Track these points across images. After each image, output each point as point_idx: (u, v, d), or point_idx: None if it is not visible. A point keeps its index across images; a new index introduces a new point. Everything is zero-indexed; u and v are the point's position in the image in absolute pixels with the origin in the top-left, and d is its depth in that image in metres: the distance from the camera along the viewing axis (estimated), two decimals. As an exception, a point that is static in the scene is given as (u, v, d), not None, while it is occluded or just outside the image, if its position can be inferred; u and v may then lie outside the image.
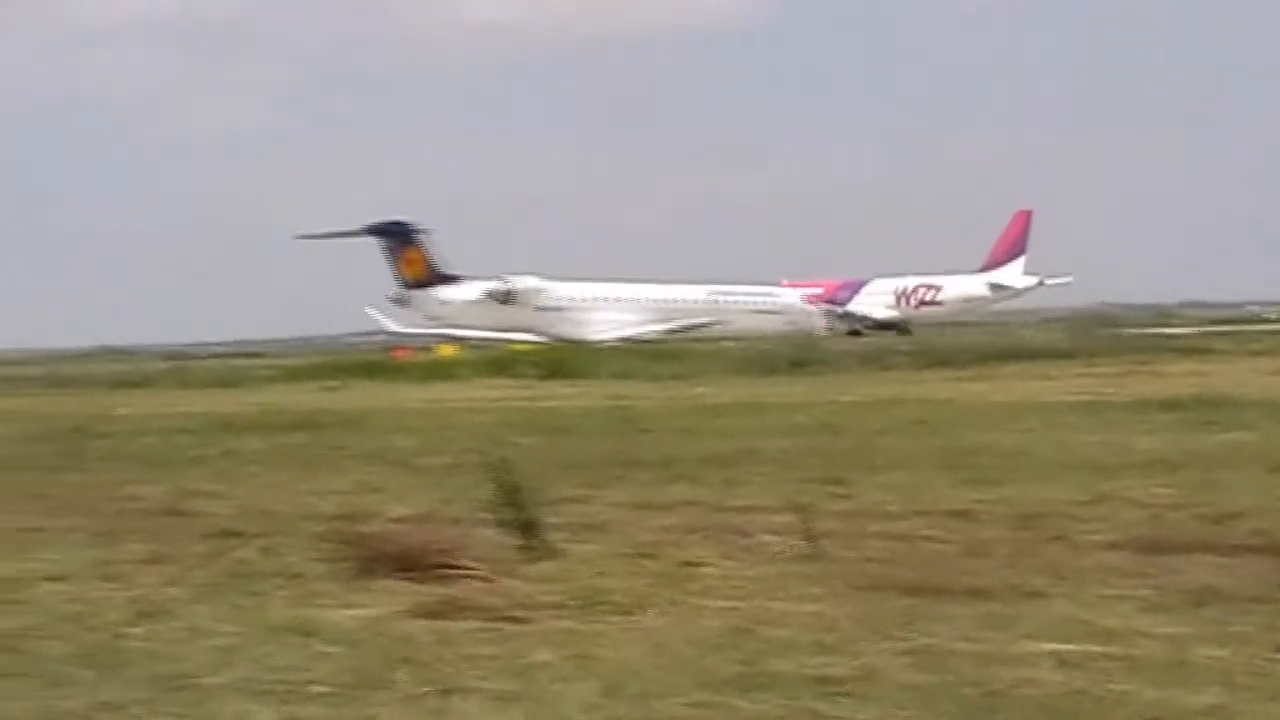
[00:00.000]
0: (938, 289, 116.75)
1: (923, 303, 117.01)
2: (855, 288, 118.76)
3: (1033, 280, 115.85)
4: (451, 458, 20.96)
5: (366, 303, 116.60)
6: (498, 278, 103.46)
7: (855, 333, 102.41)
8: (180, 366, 76.08)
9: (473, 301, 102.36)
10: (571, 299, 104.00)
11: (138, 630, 10.26)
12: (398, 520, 14.83)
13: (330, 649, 9.52)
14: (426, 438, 25.70)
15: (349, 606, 10.92)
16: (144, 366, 77.65)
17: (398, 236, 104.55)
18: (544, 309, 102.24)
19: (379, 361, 70.11)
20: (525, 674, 8.81)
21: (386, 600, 11.07)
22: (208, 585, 11.87)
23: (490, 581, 11.39)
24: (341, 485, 18.57)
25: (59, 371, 76.26)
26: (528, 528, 12.74)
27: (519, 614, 10.43)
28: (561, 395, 40.50)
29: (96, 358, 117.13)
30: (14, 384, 61.71)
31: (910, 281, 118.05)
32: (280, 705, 8.23)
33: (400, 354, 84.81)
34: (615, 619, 10.31)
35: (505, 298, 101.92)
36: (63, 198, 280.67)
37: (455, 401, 38.50)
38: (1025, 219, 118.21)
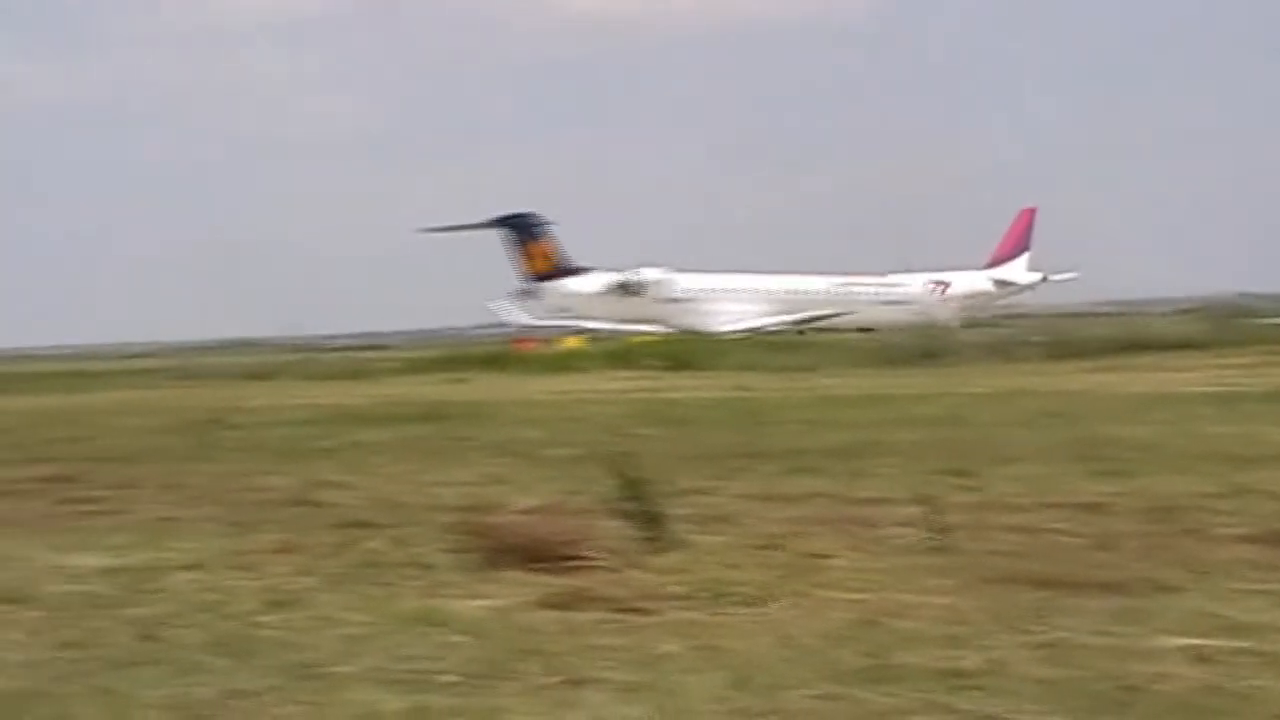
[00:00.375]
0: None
1: None
2: None
3: (1036, 276, 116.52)
4: (576, 449, 21.05)
5: (491, 296, 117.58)
6: (623, 270, 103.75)
7: (865, 329, 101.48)
8: (308, 359, 77.24)
9: (597, 293, 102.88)
10: (696, 290, 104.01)
11: (269, 619, 10.41)
12: (523, 511, 14.91)
13: (458, 639, 9.60)
14: (551, 429, 25.83)
15: (476, 597, 11.00)
16: (273, 359, 78.85)
17: (523, 229, 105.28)
18: (668, 300, 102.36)
19: (504, 354, 70.51)
20: (652, 665, 8.82)
21: (513, 591, 11.13)
22: (337, 575, 12.01)
23: (616, 573, 11.43)
24: (467, 477, 18.69)
25: (192, 364, 77.57)
26: (652, 519, 12.75)
27: (645, 605, 10.45)
28: (685, 387, 40.54)
29: (228, 350, 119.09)
30: (149, 377, 62.88)
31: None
32: (409, 694, 8.30)
33: (525, 346, 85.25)
34: (741, 611, 10.30)
35: (630, 289, 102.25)
36: (193, 192, 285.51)
37: (580, 393, 38.65)
38: (1029, 216, 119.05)
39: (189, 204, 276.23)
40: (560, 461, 20.09)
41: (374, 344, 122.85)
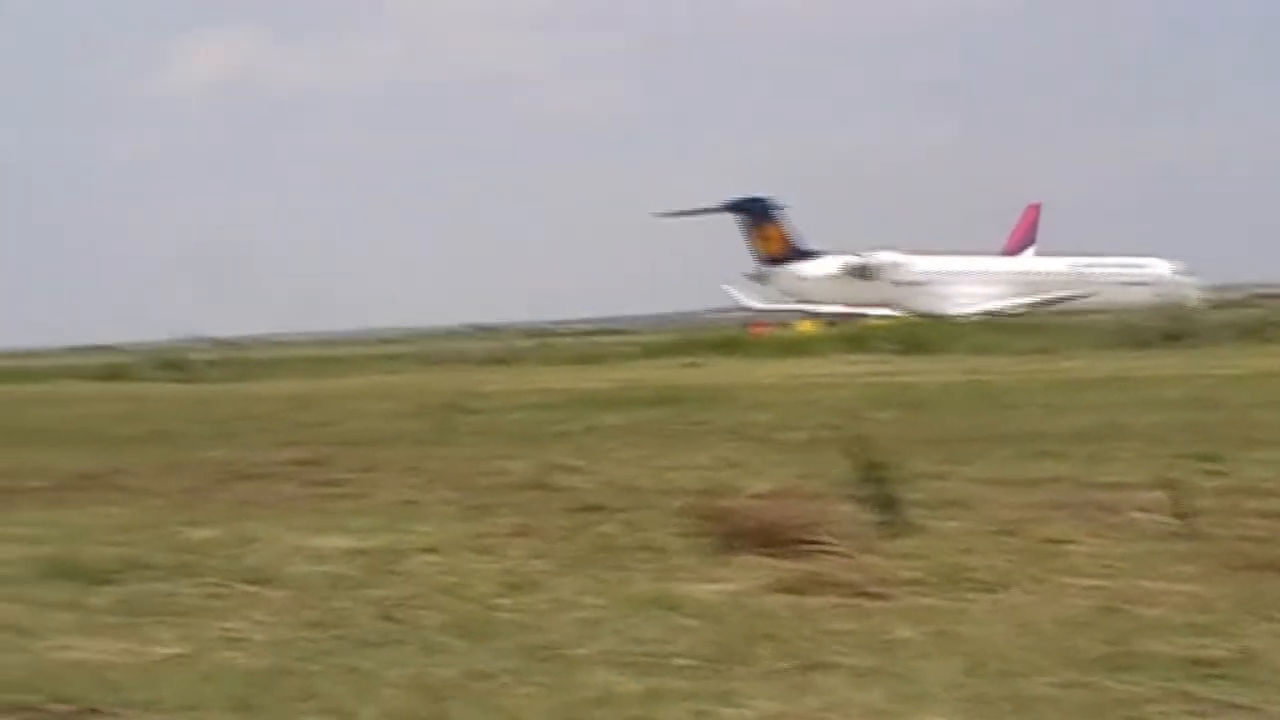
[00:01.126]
0: None
1: None
2: None
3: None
4: (809, 433, 20.98)
5: (724, 280, 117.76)
6: (855, 253, 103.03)
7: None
8: (544, 344, 78.23)
9: (830, 277, 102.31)
10: (930, 273, 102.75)
11: (507, 601, 10.56)
12: (757, 495, 14.89)
13: (692, 622, 9.64)
14: (784, 413, 25.76)
15: (710, 581, 11.03)
16: (510, 344, 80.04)
17: (756, 213, 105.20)
18: (902, 283, 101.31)
19: (737, 338, 70.54)
20: (887, 650, 8.75)
21: (747, 575, 11.13)
22: (573, 558, 12.14)
23: (850, 557, 11.34)
24: (701, 460, 18.74)
25: (431, 349, 79.10)
26: (887, 504, 12.64)
27: (879, 590, 10.36)
28: (919, 370, 40.11)
29: (466, 336, 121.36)
30: (390, 362, 64.28)
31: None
32: (644, 677, 8.36)
33: (758, 330, 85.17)
34: (978, 596, 10.15)
35: (863, 272, 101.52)
36: (432, 178, 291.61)
37: (813, 377, 38.47)
38: (1035, 212, 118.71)
39: (434, 191, 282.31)
40: (793, 445, 20.05)
41: (609, 329, 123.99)
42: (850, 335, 64.20)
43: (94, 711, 8.17)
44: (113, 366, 62.04)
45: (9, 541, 13.75)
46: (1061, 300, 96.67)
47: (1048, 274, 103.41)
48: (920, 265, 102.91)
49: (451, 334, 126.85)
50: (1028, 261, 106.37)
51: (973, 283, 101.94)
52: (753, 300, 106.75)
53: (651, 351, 61.82)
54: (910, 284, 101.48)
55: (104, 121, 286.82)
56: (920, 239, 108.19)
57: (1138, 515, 12.96)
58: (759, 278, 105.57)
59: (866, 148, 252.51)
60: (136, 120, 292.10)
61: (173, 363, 62.81)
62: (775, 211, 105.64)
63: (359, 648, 9.36)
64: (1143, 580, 10.37)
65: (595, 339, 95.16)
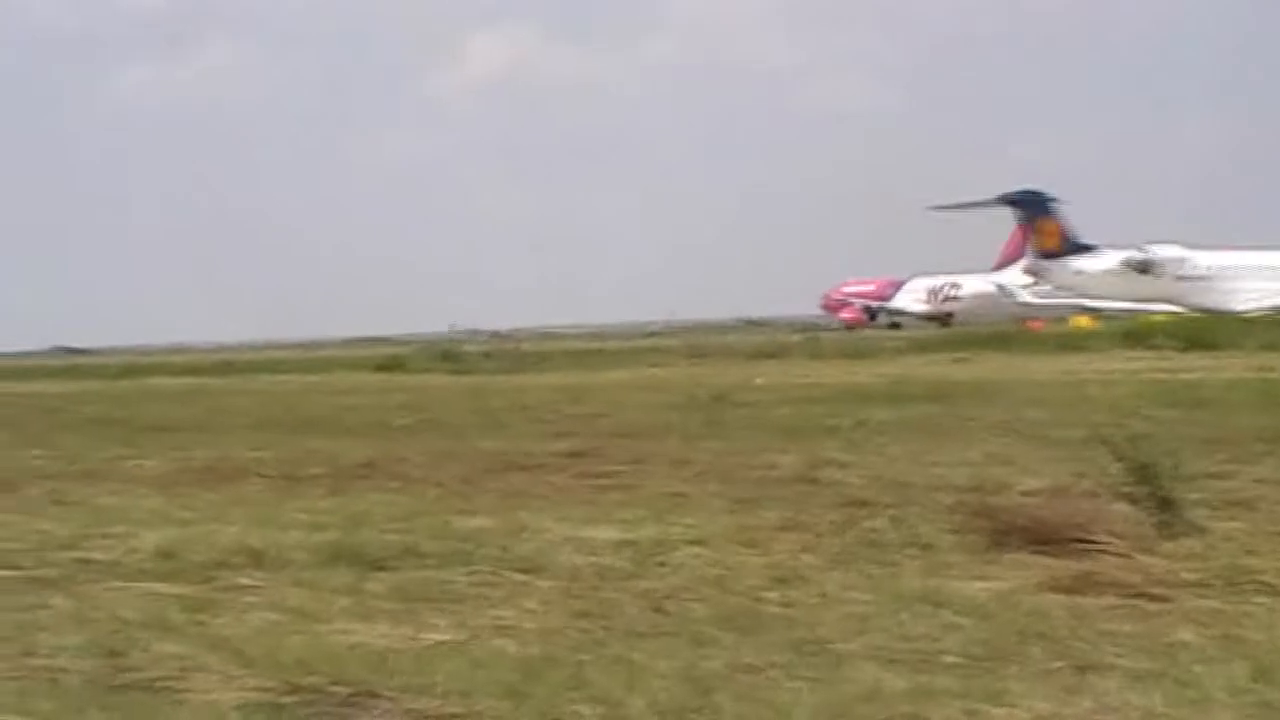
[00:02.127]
0: (958, 287, 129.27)
1: (947, 298, 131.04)
2: (898, 285, 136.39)
3: (1028, 280, 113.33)
4: (1084, 430, 20.46)
5: (995, 275, 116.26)
6: (1137, 247, 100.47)
7: (895, 325, 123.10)
8: (813, 338, 78.09)
9: (1108, 271, 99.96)
10: (1215, 268, 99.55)
11: (774, 595, 10.55)
12: (1029, 493, 14.64)
13: (961, 620, 9.51)
14: (1059, 410, 25.25)
15: (980, 579, 10.87)
16: (779, 339, 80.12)
17: (1031, 206, 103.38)
18: (1185, 278, 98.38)
19: (1011, 333, 69.46)
20: (1166, 654, 8.50)
21: (1018, 573, 10.94)
22: (840, 553, 12.08)
23: (1127, 558, 11.06)
24: (971, 457, 18.48)
25: (700, 343, 79.60)
26: (1165, 503, 12.29)
27: (1158, 592, 10.09)
28: (1203, 367, 38.89)
29: (734, 329, 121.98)
30: (659, 355, 64.94)
31: (940, 280, 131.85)
32: (912, 674, 8.28)
33: (1033, 325, 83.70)
34: (1264, 600, 9.80)
35: (1144, 267, 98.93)
36: (708, 171, 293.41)
37: (1089, 373, 37.64)
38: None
39: (709, 183, 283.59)
40: (1067, 443, 19.58)
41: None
42: (1129, 331, 62.62)
43: (371, 694, 8.40)
44: (391, 359, 63.77)
45: (293, 527, 14.21)
46: None
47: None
48: (1204, 260, 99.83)
49: (720, 328, 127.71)
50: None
51: (1260, 278, 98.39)
52: (1028, 295, 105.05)
53: (922, 346, 61.25)
54: (1194, 279, 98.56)
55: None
56: (1202, 235, 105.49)
57: None
58: (1034, 272, 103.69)
59: (1139, 138, 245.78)
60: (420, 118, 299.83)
61: (448, 354, 64.43)
62: (1051, 205, 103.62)
63: (628, 638, 9.45)
64: None
65: (864, 333, 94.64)
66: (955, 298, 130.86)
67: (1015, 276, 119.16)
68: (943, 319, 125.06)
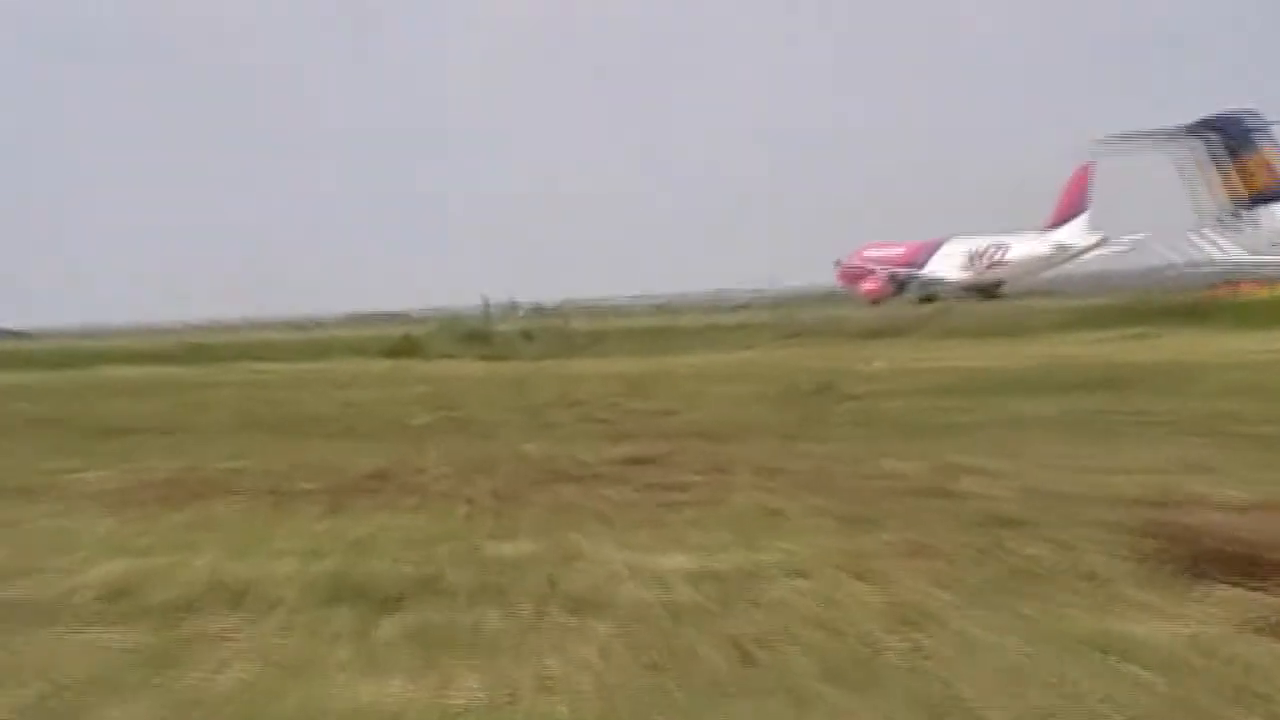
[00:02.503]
0: (1005, 249, 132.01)
1: (992, 263, 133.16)
2: (932, 249, 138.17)
3: (1095, 238, 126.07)
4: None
5: (1186, 226, 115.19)
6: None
7: (928, 298, 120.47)
8: (944, 309, 77.70)
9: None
10: None
11: (897, 640, 10.52)
12: (1228, 508, 14.54)
13: (1144, 674, 9.45)
14: (1266, 401, 25.09)
15: (1166, 619, 10.79)
16: (899, 313, 79.76)
17: (1232, 135, 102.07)
18: None
19: (1202, 301, 68.91)
20: None
21: (1215, 612, 10.87)
22: (983, 587, 12.02)
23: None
24: (1152, 461, 18.39)
25: (794, 318, 79.48)
26: None
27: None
28: None
29: (829, 300, 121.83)
30: (744, 333, 64.68)
31: (982, 242, 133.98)
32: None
33: (1232, 291, 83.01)
34: None
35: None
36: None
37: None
38: (1086, 173, 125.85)
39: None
40: (1279, 444, 19.50)
41: (1029, 289, 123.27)
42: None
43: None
44: (404, 341, 63.72)
45: (281, 557, 14.26)
46: None
47: None
48: None
49: (811, 299, 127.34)
50: None
51: None
52: (1227, 252, 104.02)
53: (1087, 320, 60.85)
54: None
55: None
56: None
57: None
58: (1237, 222, 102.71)
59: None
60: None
61: (476, 335, 64.24)
62: (1258, 134, 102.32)
63: (709, 698, 9.44)
64: None
65: (1017, 303, 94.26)
66: (1002, 262, 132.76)
67: (1074, 234, 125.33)
68: (989, 289, 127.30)
